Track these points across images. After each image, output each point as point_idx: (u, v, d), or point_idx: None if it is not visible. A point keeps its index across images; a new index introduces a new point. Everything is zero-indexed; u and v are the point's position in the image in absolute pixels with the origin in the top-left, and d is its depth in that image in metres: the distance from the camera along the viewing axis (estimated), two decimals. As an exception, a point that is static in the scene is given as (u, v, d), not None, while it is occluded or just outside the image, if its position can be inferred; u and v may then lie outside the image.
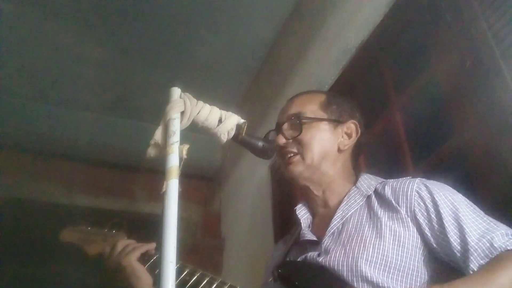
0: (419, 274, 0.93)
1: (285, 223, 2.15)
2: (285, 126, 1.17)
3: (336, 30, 2.01)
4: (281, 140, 1.15)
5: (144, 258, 1.15)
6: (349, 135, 1.19)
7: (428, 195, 0.98)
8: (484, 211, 0.95)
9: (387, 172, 1.30)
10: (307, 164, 1.13)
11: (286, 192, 2.22)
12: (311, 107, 1.19)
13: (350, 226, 1.04)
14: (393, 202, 1.01)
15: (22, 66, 2.76)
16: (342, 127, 1.19)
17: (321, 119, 1.17)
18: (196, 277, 1.04)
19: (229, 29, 2.62)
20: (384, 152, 1.54)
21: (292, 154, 1.15)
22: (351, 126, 1.20)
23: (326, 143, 1.15)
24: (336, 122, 1.18)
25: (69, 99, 3.03)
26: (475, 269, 0.85)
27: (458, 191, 1.00)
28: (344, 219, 1.06)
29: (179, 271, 1.06)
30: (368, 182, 1.13)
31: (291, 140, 1.15)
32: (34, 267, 3.26)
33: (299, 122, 1.15)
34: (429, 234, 0.95)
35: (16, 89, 2.89)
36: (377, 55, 1.72)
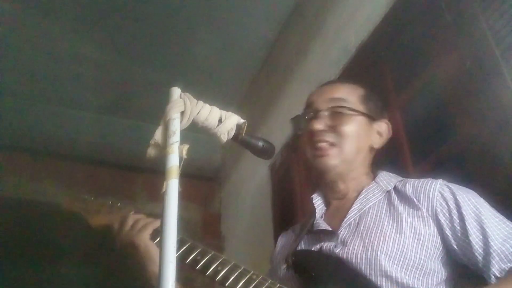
0: (436, 274, 0.92)
1: (285, 223, 2.15)
2: (326, 112, 1.10)
3: (336, 30, 2.01)
4: (318, 126, 1.08)
5: (153, 234, 1.09)
6: (381, 135, 1.15)
7: (451, 197, 0.96)
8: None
9: (387, 171, 1.30)
10: (343, 157, 1.07)
11: (286, 192, 2.22)
12: (353, 98, 1.13)
13: (368, 219, 1.02)
14: (414, 200, 0.99)
15: (22, 66, 2.76)
16: (376, 126, 1.14)
17: (362, 113, 1.11)
18: (208, 257, 1.01)
19: (229, 29, 2.62)
20: (384, 152, 1.54)
21: (327, 144, 1.08)
22: (383, 125, 1.16)
23: (362, 139, 1.11)
24: (372, 118, 1.13)
25: (69, 99, 3.03)
26: (497, 273, 0.84)
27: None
28: (361, 211, 1.04)
29: (190, 250, 1.02)
30: (388, 178, 1.11)
31: (327, 128, 1.08)
32: (34, 267, 3.26)
33: (345, 112, 1.09)
34: (449, 235, 0.93)
35: (16, 89, 2.89)
36: (377, 55, 1.72)
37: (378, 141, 1.14)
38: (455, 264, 0.94)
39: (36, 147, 2.99)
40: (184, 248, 1.02)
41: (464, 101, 1.28)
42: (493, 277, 0.85)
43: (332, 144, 1.08)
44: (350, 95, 1.13)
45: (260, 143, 0.99)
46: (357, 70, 1.82)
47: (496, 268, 0.84)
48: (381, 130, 1.15)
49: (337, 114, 1.09)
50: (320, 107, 1.11)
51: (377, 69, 1.74)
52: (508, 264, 0.84)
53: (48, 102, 3.03)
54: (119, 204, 1.27)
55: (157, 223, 1.10)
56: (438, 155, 1.39)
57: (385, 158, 1.36)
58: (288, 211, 2.17)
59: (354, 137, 1.09)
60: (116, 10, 2.46)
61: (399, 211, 0.99)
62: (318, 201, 1.15)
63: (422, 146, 1.46)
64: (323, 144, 1.08)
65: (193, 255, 1.01)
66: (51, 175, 3.00)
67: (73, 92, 2.99)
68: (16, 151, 2.93)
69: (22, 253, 3.18)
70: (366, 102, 1.14)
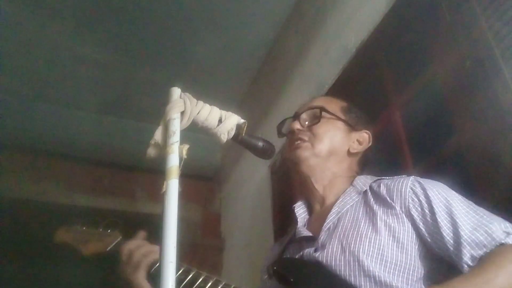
0: (416, 269, 0.94)
1: (285, 223, 2.15)
2: (304, 115, 1.23)
3: (336, 30, 2.01)
4: (296, 125, 1.21)
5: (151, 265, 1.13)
6: (360, 143, 1.24)
7: (422, 191, 0.99)
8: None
9: (387, 172, 1.30)
10: (313, 152, 1.17)
11: (286, 192, 2.22)
12: (334, 107, 1.25)
13: (346, 221, 1.04)
14: (388, 198, 1.02)
15: (22, 66, 2.76)
16: (356, 134, 1.24)
17: (340, 119, 1.23)
18: (191, 275, 1.05)
19: (229, 29, 2.62)
20: (384, 152, 1.54)
21: (301, 141, 1.19)
22: (364, 135, 1.25)
23: (337, 141, 1.20)
24: (352, 127, 1.24)
25: (69, 99, 3.03)
26: (469, 262, 0.85)
27: (458, 191, 1.00)
28: (339, 214, 1.07)
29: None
30: (364, 180, 1.15)
31: (305, 129, 1.20)
32: (34, 267, 3.26)
33: (319, 114, 1.21)
34: (423, 229, 0.95)
35: (16, 89, 2.89)
36: (377, 55, 1.72)
37: (356, 147, 1.23)
38: (434, 259, 0.95)
39: (36, 147, 2.99)
40: None
41: (464, 101, 1.28)
42: (465, 266, 0.86)
43: (306, 141, 1.18)
44: (330, 104, 1.26)
45: (260, 143, 1.00)
46: (357, 70, 1.82)
47: (468, 256, 0.86)
48: (361, 139, 1.25)
49: (314, 116, 1.21)
50: (300, 112, 1.24)
51: (377, 69, 1.74)
52: (479, 252, 0.85)
53: (48, 102, 3.02)
54: (108, 231, 1.35)
55: (153, 256, 1.12)
56: (438, 155, 1.39)
57: (385, 158, 1.36)
58: (288, 211, 2.17)
59: (326, 138, 1.19)
60: (116, 10, 2.46)
61: (374, 211, 1.02)
62: (300, 210, 1.20)
63: (422, 146, 1.46)
64: (297, 141, 1.19)
65: (177, 275, 1.04)
66: (51, 175, 3.00)
67: (73, 92, 2.99)
68: (16, 151, 2.93)
69: (22, 253, 3.18)
70: (347, 113, 1.26)
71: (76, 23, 2.53)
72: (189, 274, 1.05)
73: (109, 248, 1.30)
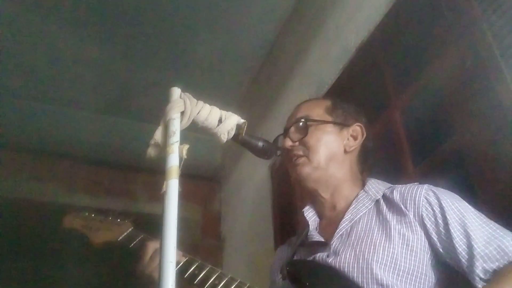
0: (427, 278, 0.94)
1: (285, 223, 2.15)
2: (292, 129, 1.20)
3: (336, 30, 2.01)
4: (288, 143, 1.18)
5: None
6: (355, 138, 1.21)
7: (436, 201, 0.98)
8: (484, 211, 0.95)
9: (387, 172, 1.30)
10: (314, 165, 1.15)
11: (286, 192, 2.22)
12: (318, 111, 1.22)
13: (359, 228, 1.04)
14: (402, 206, 1.02)
15: (22, 66, 2.76)
16: (348, 130, 1.21)
17: (327, 122, 1.20)
18: (205, 271, 1.05)
19: (229, 29, 2.62)
20: (384, 152, 1.53)
21: (297, 156, 1.17)
22: (357, 128, 1.22)
23: (332, 145, 1.18)
24: (342, 125, 1.21)
25: (69, 99, 3.03)
26: (481, 274, 0.86)
27: (458, 191, 1.00)
28: (352, 221, 1.07)
29: (187, 265, 1.08)
30: (377, 186, 1.14)
31: (297, 143, 1.18)
32: (34, 267, 3.26)
33: (305, 125, 1.18)
34: (435, 239, 0.96)
35: (16, 89, 2.89)
36: (377, 55, 1.72)
37: (352, 144, 1.21)
38: (445, 267, 0.96)
39: (36, 147, 2.99)
40: (182, 263, 1.06)
41: (464, 101, 1.28)
42: (477, 278, 0.86)
43: (301, 156, 1.17)
44: (313, 110, 1.23)
45: (260, 143, 1.00)
46: (357, 70, 1.82)
47: (480, 269, 0.86)
48: (355, 134, 1.22)
49: (301, 128, 1.19)
50: (288, 126, 1.22)
51: (377, 69, 1.74)
52: (491, 265, 0.86)
53: (48, 102, 3.02)
54: (118, 220, 1.31)
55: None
56: (438, 155, 1.39)
57: (385, 159, 1.36)
58: (288, 211, 2.17)
59: (319, 146, 1.17)
60: (116, 10, 2.46)
61: (388, 219, 1.02)
62: (309, 214, 1.19)
63: (422, 146, 1.46)
64: (294, 158, 1.17)
65: (190, 270, 1.06)
66: (51, 175, 3.01)
67: (73, 92, 2.99)
68: (16, 151, 2.93)
69: (22, 253, 3.18)
70: (333, 111, 1.23)
71: (76, 23, 2.53)
72: (203, 270, 1.05)
73: (120, 238, 1.25)
